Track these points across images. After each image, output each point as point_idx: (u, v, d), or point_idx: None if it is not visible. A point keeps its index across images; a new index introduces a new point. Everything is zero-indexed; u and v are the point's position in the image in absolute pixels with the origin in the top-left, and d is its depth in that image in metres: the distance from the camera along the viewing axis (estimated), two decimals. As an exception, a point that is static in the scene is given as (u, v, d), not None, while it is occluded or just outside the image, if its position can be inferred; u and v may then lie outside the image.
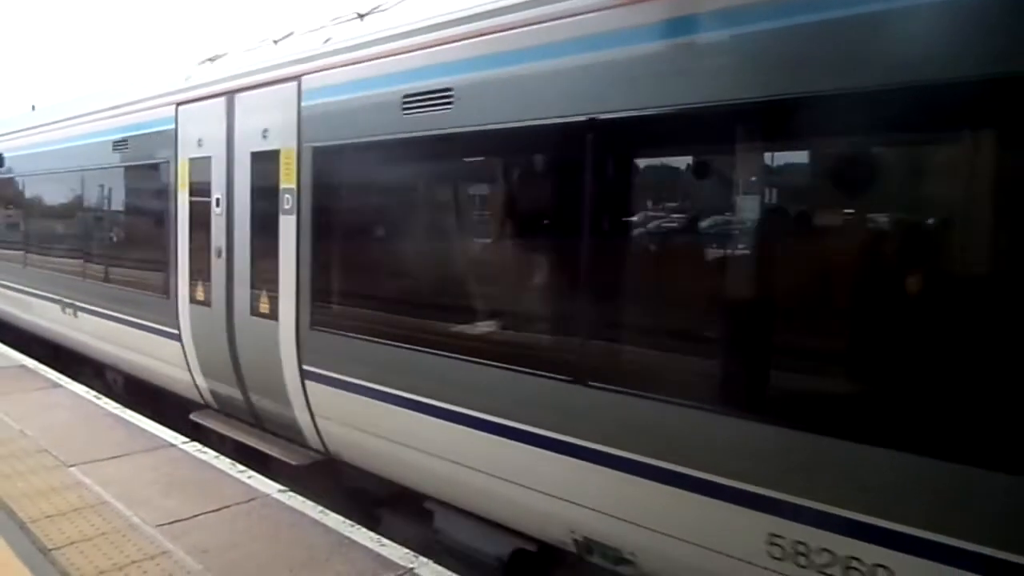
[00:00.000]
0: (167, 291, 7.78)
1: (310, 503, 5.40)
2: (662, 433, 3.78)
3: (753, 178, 3.78)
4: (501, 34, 4.44)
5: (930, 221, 3.37)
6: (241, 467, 6.12)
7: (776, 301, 3.68)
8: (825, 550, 3.22)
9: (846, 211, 3.60)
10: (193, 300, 7.35)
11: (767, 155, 3.73)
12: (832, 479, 3.23)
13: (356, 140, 5.46)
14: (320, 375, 5.82)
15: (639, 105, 3.87)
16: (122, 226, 9.49)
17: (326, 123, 5.72)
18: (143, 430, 7.13)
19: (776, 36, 3.39)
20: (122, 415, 7.65)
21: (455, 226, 5.28)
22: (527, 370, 4.36)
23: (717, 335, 3.87)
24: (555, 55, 4.17)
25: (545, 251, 4.57)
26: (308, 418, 6.04)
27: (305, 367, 5.93)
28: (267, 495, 5.52)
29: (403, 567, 4.46)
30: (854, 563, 3.15)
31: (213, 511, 5.20)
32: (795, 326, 3.61)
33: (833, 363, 3.47)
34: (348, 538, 4.84)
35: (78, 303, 9.75)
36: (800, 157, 3.82)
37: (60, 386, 8.91)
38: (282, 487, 5.69)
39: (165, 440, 6.80)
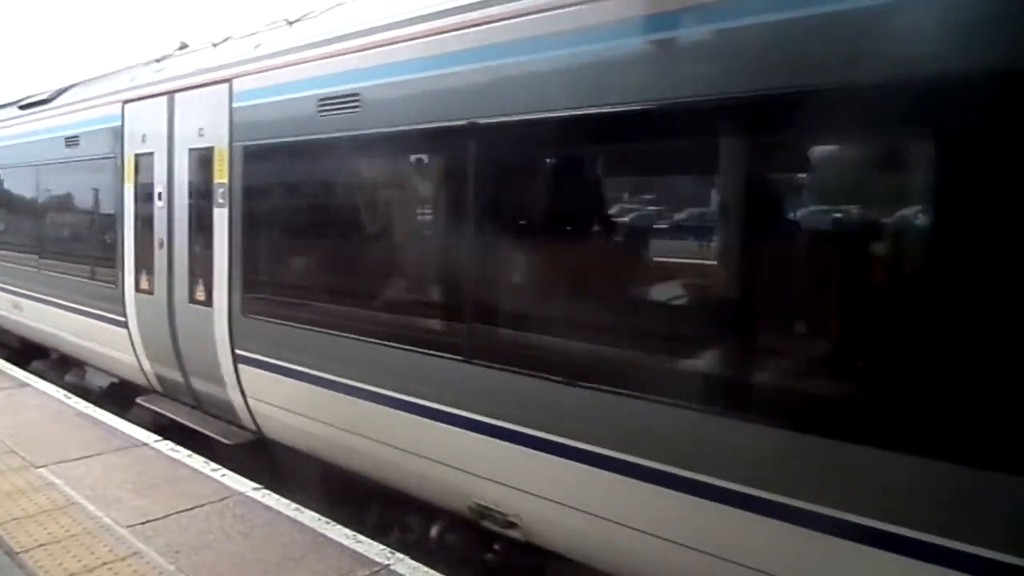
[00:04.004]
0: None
1: (284, 501, 5.35)
2: None
3: None
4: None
5: None
6: (215, 465, 6.05)
7: None
8: None
9: None
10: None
11: None
12: None
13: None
14: (251, 359, 6.00)
15: None
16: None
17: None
18: (114, 429, 7.02)
19: None
20: (92, 414, 7.52)
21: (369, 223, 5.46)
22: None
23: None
24: None
25: None
26: (241, 399, 6.24)
27: (237, 351, 6.13)
28: (241, 493, 5.47)
29: (379, 564, 4.44)
30: None
31: (186, 510, 5.14)
32: None
33: None
34: (323, 535, 4.80)
35: None
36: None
37: (28, 385, 8.74)
38: (256, 485, 5.64)
39: (137, 439, 6.70)
